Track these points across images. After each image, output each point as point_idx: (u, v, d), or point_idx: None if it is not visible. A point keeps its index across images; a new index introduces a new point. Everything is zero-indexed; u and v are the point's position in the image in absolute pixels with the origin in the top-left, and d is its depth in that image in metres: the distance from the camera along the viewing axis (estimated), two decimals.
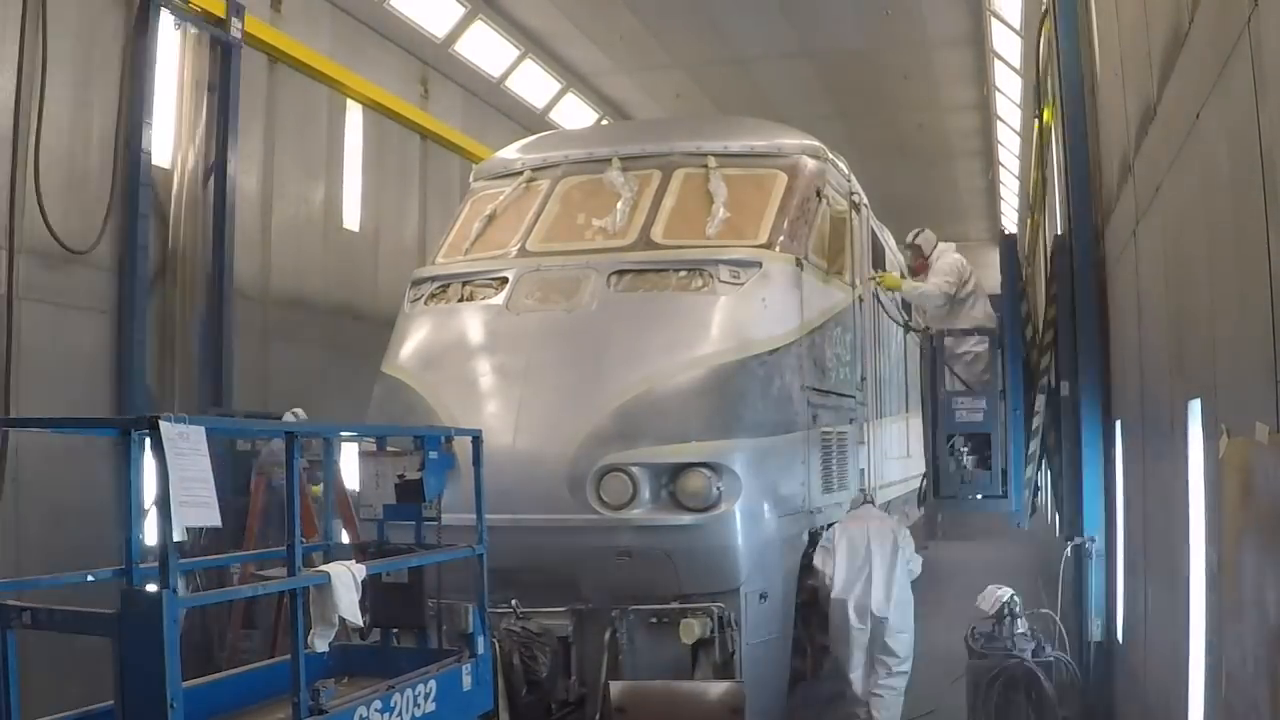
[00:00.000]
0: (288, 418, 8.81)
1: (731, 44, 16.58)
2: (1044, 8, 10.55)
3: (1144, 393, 6.32)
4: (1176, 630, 5.07)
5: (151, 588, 4.54)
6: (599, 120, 18.83)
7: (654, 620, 7.30)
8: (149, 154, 10.05)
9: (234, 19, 10.95)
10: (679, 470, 7.33)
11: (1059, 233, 9.53)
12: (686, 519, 7.28)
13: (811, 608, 8.71)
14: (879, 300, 11.73)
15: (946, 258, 10.90)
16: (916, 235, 11.14)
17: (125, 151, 9.85)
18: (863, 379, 10.30)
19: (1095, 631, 8.21)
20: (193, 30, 10.67)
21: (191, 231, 10.62)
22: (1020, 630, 7.78)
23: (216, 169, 10.96)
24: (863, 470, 10.09)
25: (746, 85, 18.24)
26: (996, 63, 16.48)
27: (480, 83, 16.06)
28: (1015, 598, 7.92)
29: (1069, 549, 8.45)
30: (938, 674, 8.71)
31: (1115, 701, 8.02)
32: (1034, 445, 9.38)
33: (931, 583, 15.88)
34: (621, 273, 8.22)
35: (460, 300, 8.56)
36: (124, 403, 9.66)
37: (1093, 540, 8.18)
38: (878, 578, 8.15)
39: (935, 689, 8.78)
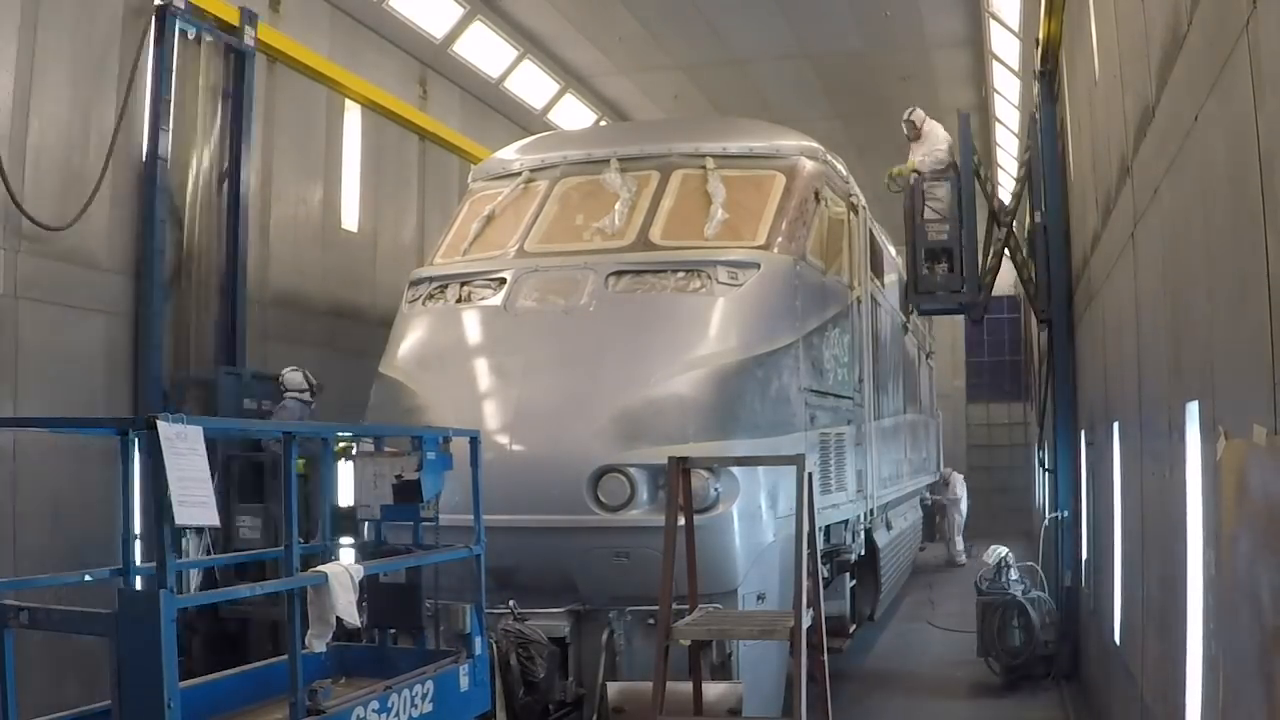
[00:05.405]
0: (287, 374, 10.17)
1: (730, 45, 16.58)
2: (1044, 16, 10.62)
3: (1142, 394, 6.32)
4: (1174, 631, 5.08)
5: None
6: (598, 121, 18.83)
7: (651, 621, 7.30)
8: (165, 160, 10.18)
9: (247, 27, 11.16)
10: None
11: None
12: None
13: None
14: (878, 301, 11.74)
15: (935, 133, 12.75)
16: (911, 113, 12.88)
17: (133, 154, 10.01)
18: (861, 380, 10.31)
19: (1066, 578, 11.42)
20: (208, 38, 10.85)
21: (206, 235, 10.81)
22: (1014, 577, 11.42)
23: (230, 174, 11.19)
24: (860, 471, 10.10)
25: (745, 86, 18.24)
26: (995, 64, 16.48)
27: (479, 83, 16.06)
28: (1009, 555, 11.58)
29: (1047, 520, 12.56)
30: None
31: (1081, 628, 10.83)
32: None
33: (931, 574, 17.12)
34: (620, 273, 8.22)
35: (458, 301, 8.56)
36: (141, 405, 9.75)
37: (1065, 514, 11.58)
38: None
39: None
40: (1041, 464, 14.67)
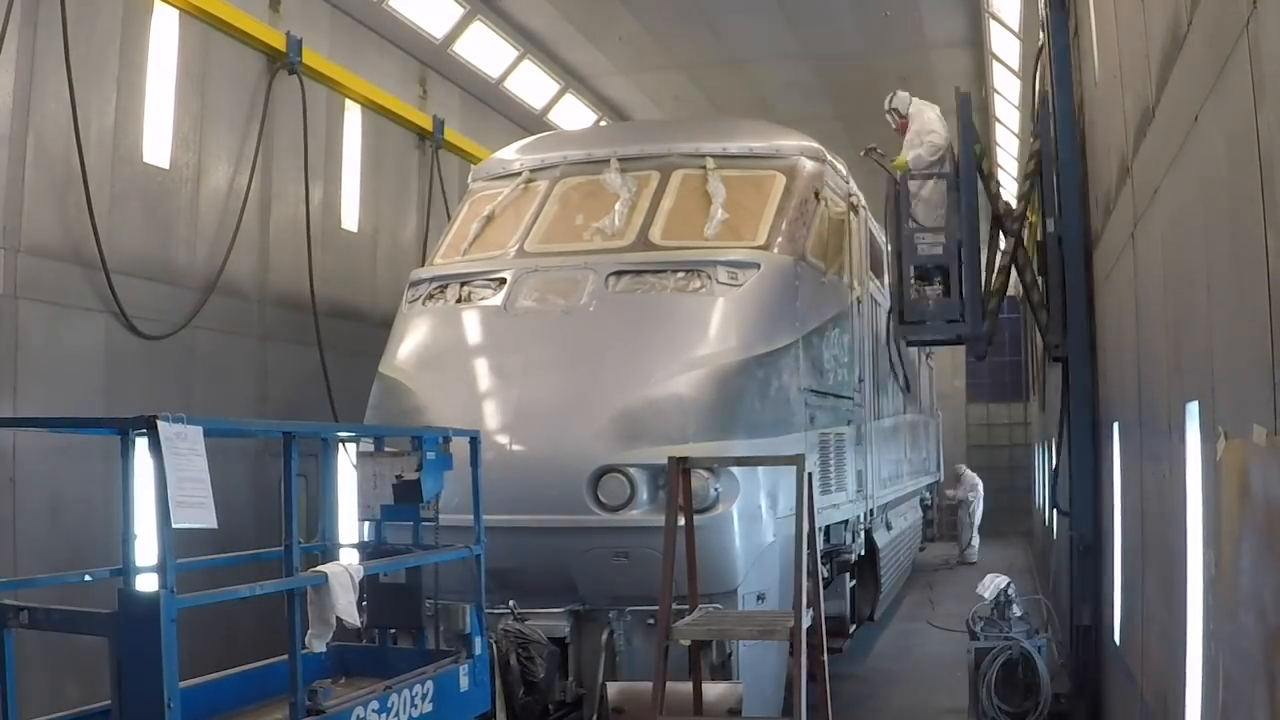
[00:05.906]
0: None
1: (730, 45, 16.57)
2: (1040, 44, 10.11)
3: (1142, 394, 6.32)
4: (1174, 632, 5.07)
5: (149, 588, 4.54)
6: (598, 121, 18.82)
7: (651, 621, 7.30)
8: None
9: None
10: None
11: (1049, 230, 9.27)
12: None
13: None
14: (878, 301, 11.74)
15: (925, 115, 10.72)
16: (892, 99, 11.01)
17: None
18: (860, 380, 10.31)
19: (1084, 616, 8.67)
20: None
21: None
22: (1016, 615, 9.23)
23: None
24: (860, 471, 10.10)
25: (745, 86, 18.24)
26: (995, 65, 16.49)
27: (479, 83, 16.05)
28: (1011, 586, 9.46)
29: (1071, 542, 8.91)
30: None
31: (1102, 682, 8.44)
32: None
33: (931, 574, 17.04)
34: (619, 273, 8.22)
35: (458, 301, 8.56)
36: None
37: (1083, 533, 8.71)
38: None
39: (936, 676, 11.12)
40: (1053, 473, 11.01)
